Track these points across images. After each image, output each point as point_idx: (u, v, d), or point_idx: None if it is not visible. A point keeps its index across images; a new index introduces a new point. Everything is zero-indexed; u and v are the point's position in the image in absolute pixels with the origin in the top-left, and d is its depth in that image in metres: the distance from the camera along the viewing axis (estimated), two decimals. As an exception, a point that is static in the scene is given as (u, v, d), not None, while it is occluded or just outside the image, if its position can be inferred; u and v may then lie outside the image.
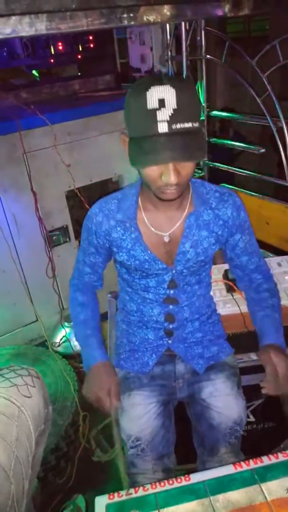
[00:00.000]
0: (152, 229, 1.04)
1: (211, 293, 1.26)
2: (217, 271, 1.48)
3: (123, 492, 0.83)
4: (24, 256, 2.15)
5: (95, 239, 1.09)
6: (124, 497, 0.82)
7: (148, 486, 0.84)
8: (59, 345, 2.23)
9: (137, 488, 0.84)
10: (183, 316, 1.14)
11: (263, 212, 2.12)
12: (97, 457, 1.79)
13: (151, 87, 0.79)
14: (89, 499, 1.55)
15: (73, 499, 1.56)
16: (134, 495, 0.82)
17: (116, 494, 0.83)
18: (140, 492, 0.83)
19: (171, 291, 1.10)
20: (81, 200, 2.13)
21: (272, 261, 1.54)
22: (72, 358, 2.04)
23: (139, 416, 1.07)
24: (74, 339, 2.14)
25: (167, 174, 0.85)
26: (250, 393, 1.23)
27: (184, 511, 0.77)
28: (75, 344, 2.16)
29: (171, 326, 1.14)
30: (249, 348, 1.33)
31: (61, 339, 2.23)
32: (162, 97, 0.79)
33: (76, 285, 1.22)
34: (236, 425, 1.07)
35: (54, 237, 2.23)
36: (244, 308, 1.27)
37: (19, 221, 2.08)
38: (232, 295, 1.39)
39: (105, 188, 2.40)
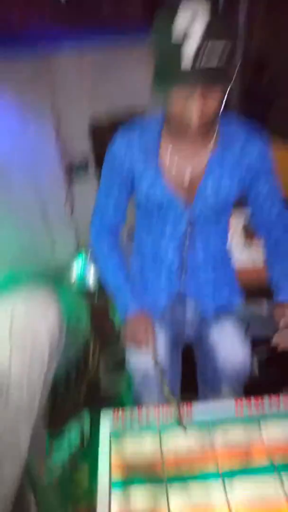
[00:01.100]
0: (174, 165, 1.01)
1: (228, 239, 1.25)
2: (237, 218, 1.45)
3: (128, 412, 0.89)
4: (44, 189, 2.14)
5: (118, 174, 1.07)
6: (128, 417, 0.88)
7: (152, 409, 0.90)
8: (74, 282, 2.28)
9: (141, 410, 0.89)
10: (197, 258, 1.14)
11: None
12: (104, 383, 1.90)
13: (182, 10, 0.75)
14: (93, 420, 1.68)
15: (78, 416, 1.69)
16: (137, 416, 0.88)
17: (120, 412, 0.89)
18: (144, 413, 0.88)
19: (188, 233, 1.09)
20: (104, 134, 2.06)
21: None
22: (86, 295, 2.10)
23: (148, 352, 1.11)
24: (90, 277, 2.18)
25: (192, 104, 0.83)
26: (257, 341, 1.26)
27: (184, 443, 0.82)
28: (90, 283, 2.21)
29: (184, 269, 1.15)
30: (260, 298, 1.34)
31: (77, 275, 2.27)
32: (192, 21, 0.74)
33: (99, 233, 1.18)
34: (240, 369, 1.10)
35: (74, 171, 2.19)
36: (260, 258, 1.27)
37: (39, 152, 2.04)
38: (249, 244, 1.37)
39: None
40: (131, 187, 1.09)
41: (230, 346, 1.11)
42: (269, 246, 1.16)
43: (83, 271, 2.25)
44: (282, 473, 0.73)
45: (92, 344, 1.86)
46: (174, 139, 1.00)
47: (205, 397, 1.12)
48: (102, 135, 2.11)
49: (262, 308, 1.35)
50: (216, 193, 1.02)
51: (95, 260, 1.21)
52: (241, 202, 1.13)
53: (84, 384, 1.83)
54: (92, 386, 1.84)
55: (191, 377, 1.20)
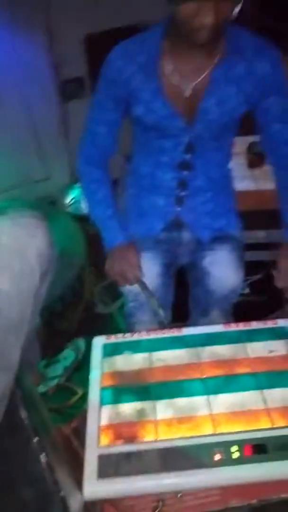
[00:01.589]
0: (175, 78, 0.94)
1: (230, 165, 1.20)
2: (242, 143, 1.38)
3: (119, 335, 0.92)
4: (36, 108, 2.01)
5: (114, 89, 0.99)
6: (120, 339, 0.91)
7: (144, 332, 0.92)
8: (69, 206, 2.24)
9: (133, 333, 0.92)
10: (196, 184, 1.10)
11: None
12: (99, 309, 1.95)
13: None
14: (88, 344, 1.76)
15: (73, 341, 1.76)
16: (129, 338, 0.91)
17: (113, 336, 0.92)
18: (135, 336, 0.91)
19: (188, 156, 1.04)
20: (102, 47, 1.89)
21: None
22: (81, 219, 2.08)
23: (142, 274, 1.12)
24: (84, 200, 2.14)
25: (205, 11, 0.76)
26: (251, 268, 1.26)
27: (172, 356, 0.85)
28: (85, 207, 2.17)
29: (182, 194, 1.11)
30: (258, 226, 1.33)
31: (71, 200, 2.23)
32: None
33: (88, 155, 1.11)
34: (231, 293, 1.12)
35: (68, 89, 2.05)
36: (262, 186, 1.23)
37: (31, 67, 1.89)
38: (253, 171, 1.33)
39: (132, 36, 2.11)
40: (127, 103, 1.01)
41: (223, 271, 1.12)
42: (280, 175, 1.09)
43: (78, 195, 2.20)
44: (263, 384, 0.78)
45: (87, 268, 1.89)
46: (176, 51, 0.92)
47: (196, 323, 1.15)
48: (99, 48, 1.93)
49: (261, 235, 1.34)
50: (220, 108, 0.96)
51: (81, 185, 1.17)
52: (245, 129, 1.06)
53: (80, 308, 1.89)
54: (88, 311, 1.90)
55: (184, 307, 1.23)
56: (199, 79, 0.93)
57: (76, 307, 1.91)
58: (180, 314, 1.22)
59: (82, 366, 1.66)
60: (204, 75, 0.93)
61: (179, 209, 1.14)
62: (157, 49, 0.93)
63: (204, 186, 1.11)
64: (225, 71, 0.93)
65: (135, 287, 1.10)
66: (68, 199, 2.25)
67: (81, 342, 1.75)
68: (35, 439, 0.49)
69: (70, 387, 1.57)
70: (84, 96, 2.12)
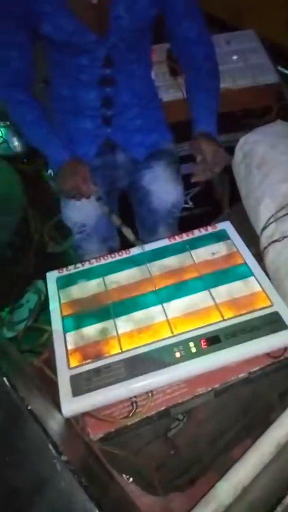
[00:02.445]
0: None
1: (153, 76, 1.15)
2: (160, 51, 1.33)
3: (71, 267, 0.93)
4: None
5: (11, 8, 0.90)
6: (72, 270, 0.93)
7: (94, 260, 0.94)
8: (-4, 146, 2.09)
9: (84, 263, 0.94)
10: (121, 100, 1.06)
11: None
12: (51, 248, 1.94)
13: None
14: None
15: (33, 284, 1.77)
16: (81, 268, 0.93)
17: (65, 268, 0.93)
18: (87, 265, 0.93)
19: (107, 70, 0.99)
20: None
21: (220, 38, 1.39)
22: (12, 159, 1.96)
23: (84, 204, 1.10)
24: (14, 138, 2.01)
25: None
26: (189, 181, 1.28)
27: (125, 276, 0.89)
28: (15, 145, 2.04)
29: (109, 113, 1.08)
30: (190, 137, 1.32)
31: (-3, 139, 2.08)
32: None
33: (6, 80, 1.02)
34: (174, 208, 1.15)
35: None
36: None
37: None
38: (176, 79, 1.29)
39: None
40: (30, 22, 0.92)
41: (162, 187, 1.13)
42: (189, 76, 1.08)
43: (5, 134, 2.06)
44: (210, 284, 0.84)
45: (30, 209, 1.83)
46: None
47: (145, 242, 1.18)
48: None
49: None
50: (130, 14, 0.91)
51: (8, 114, 1.08)
52: (162, 36, 1.01)
53: (31, 252, 1.87)
54: (40, 253, 1.88)
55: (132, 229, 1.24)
56: None
57: (28, 251, 1.88)
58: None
59: (46, 306, 1.68)
60: None
61: (108, 130, 1.11)
62: None
63: (129, 102, 1.08)
64: None
65: (82, 216, 1.09)
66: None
67: (40, 284, 1.75)
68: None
69: (39, 327, 1.61)
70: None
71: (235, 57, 1.34)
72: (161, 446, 0.78)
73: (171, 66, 1.28)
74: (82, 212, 1.11)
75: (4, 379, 0.50)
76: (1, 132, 2.07)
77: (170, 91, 1.26)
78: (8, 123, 1.79)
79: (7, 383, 0.49)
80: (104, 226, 1.13)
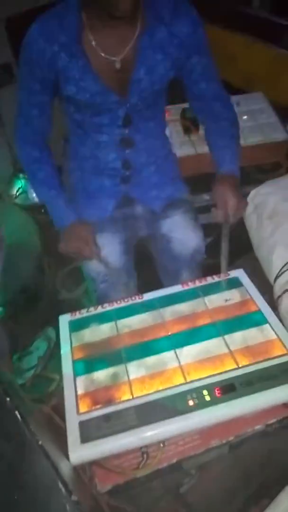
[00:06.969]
0: (101, 53, 0.94)
1: (167, 133, 1.22)
2: (175, 111, 1.42)
3: (83, 310, 0.94)
4: None
5: (38, 71, 0.97)
6: (85, 314, 0.93)
7: (106, 305, 0.95)
8: (16, 197, 2.19)
9: (97, 307, 0.94)
10: (139, 160, 1.12)
11: (227, 46, 1.94)
12: (63, 296, 1.95)
13: None
14: (58, 331, 1.76)
15: (44, 331, 1.76)
16: (93, 312, 0.93)
17: (77, 312, 0.94)
18: (99, 309, 0.94)
19: (126, 130, 1.05)
20: (25, 30, 1.83)
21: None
22: (32, 209, 2.04)
23: (107, 255, 1.11)
24: (32, 190, 2.10)
25: None
26: (204, 231, 1.31)
27: (138, 321, 0.89)
28: (34, 196, 2.13)
29: (127, 173, 1.13)
30: (203, 189, 1.37)
31: (18, 190, 2.18)
32: None
33: (25, 137, 1.09)
34: (195, 252, 1.15)
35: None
36: (200, 149, 1.27)
37: None
38: (189, 137, 1.36)
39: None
40: (55, 83, 1.00)
41: (183, 233, 1.15)
42: (209, 125, 1.13)
43: (24, 185, 2.16)
44: (223, 331, 0.83)
45: (45, 257, 1.87)
46: (97, 24, 0.91)
47: None
48: (22, 31, 1.87)
49: (206, 198, 1.38)
50: (150, 77, 0.97)
51: (23, 169, 1.14)
52: (177, 98, 1.08)
53: (44, 298, 1.88)
54: (52, 300, 1.89)
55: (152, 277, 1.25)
56: (126, 51, 0.94)
57: (41, 297, 1.89)
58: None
59: (55, 354, 1.66)
60: (130, 45, 0.93)
61: (126, 187, 1.16)
62: (76, 23, 0.91)
63: (146, 162, 1.13)
64: (149, 39, 0.94)
65: (100, 267, 1.11)
66: (14, 190, 2.20)
67: (51, 331, 1.75)
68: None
69: (47, 375, 1.58)
70: (14, 82, 2.06)
71: (245, 117, 1.43)
72: (172, 502, 0.73)
73: (184, 124, 1.36)
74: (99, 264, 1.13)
75: (16, 412, 0.49)
76: (21, 183, 2.19)
77: (183, 147, 1.32)
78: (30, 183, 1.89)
79: (18, 416, 0.48)
80: (126, 273, 1.14)
